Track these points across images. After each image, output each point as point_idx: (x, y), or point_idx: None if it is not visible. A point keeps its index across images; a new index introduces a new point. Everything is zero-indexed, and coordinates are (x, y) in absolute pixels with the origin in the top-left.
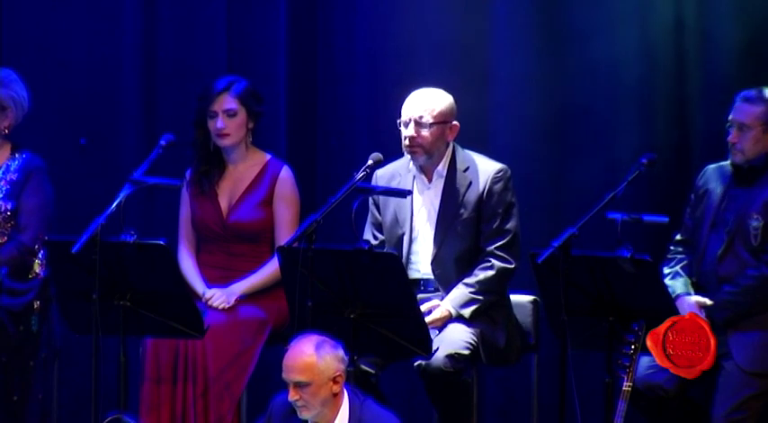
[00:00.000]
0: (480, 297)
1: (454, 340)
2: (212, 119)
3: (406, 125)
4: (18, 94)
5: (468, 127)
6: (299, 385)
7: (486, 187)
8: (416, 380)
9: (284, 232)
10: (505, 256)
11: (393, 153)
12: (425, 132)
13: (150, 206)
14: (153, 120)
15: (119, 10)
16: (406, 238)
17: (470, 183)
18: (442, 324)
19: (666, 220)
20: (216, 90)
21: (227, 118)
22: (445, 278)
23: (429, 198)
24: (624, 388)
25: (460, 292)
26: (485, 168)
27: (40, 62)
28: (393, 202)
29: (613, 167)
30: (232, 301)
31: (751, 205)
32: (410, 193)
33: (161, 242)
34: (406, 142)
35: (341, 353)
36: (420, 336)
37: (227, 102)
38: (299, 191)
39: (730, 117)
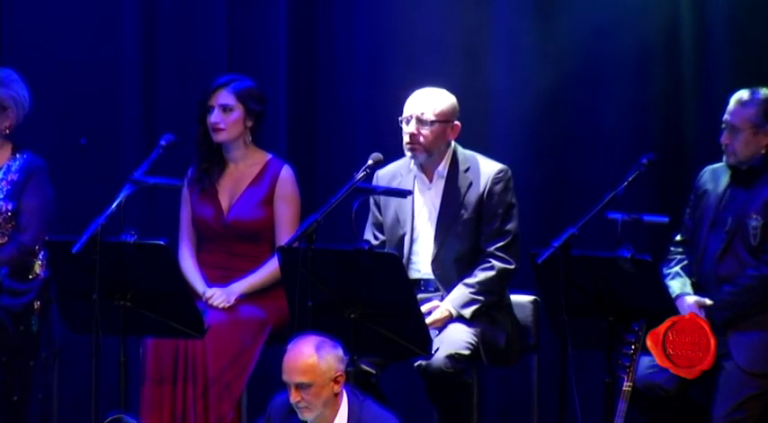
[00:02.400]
0: (481, 297)
1: (454, 340)
2: (209, 113)
3: (408, 122)
4: (18, 94)
5: (468, 127)
6: (300, 387)
7: (487, 188)
8: (416, 380)
9: (284, 232)
10: (505, 256)
11: (393, 153)
12: (426, 130)
13: (150, 206)
14: (153, 120)
15: (119, 10)
16: (407, 239)
17: (471, 183)
18: (443, 324)
19: (666, 220)
20: (215, 85)
21: (223, 113)
22: (445, 278)
23: (430, 198)
24: (624, 388)
25: (461, 292)
26: (485, 169)
27: (40, 62)
28: (394, 202)
29: (613, 167)
30: (232, 300)
31: (750, 205)
32: (410, 193)
33: (161, 242)
34: (407, 139)
35: (341, 352)
36: (420, 336)
37: (224, 97)
38: (300, 191)
39: (724, 118)
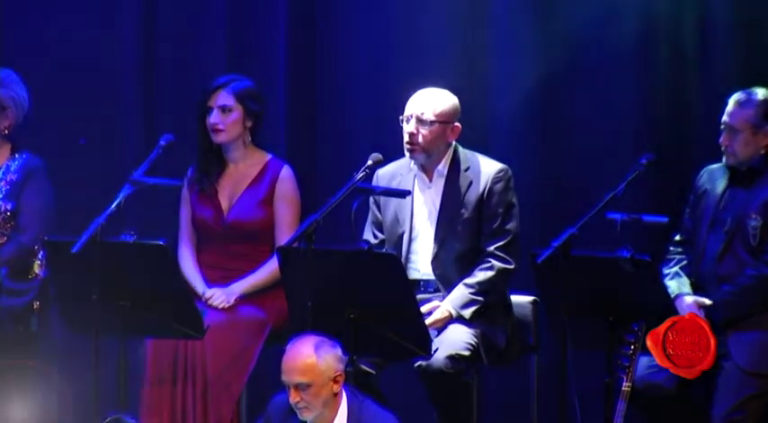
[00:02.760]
0: (480, 298)
1: (454, 341)
2: (209, 114)
3: (408, 121)
4: (18, 94)
5: (468, 127)
6: (300, 387)
7: (487, 187)
8: (416, 380)
9: (284, 232)
10: (505, 256)
11: (393, 153)
12: (425, 130)
13: (150, 206)
14: (153, 120)
15: (119, 10)
16: (405, 238)
17: (471, 182)
18: (443, 325)
19: (666, 220)
20: (214, 85)
21: (222, 114)
22: (446, 278)
23: (430, 197)
24: (624, 388)
25: (461, 292)
26: (486, 168)
27: (40, 62)
28: (394, 201)
29: (613, 167)
30: (232, 300)
31: (750, 205)
32: (410, 193)
33: (161, 242)
34: (406, 138)
35: (340, 352)
36: (420, 336)
37: (223, 97)
38: (300, 191)
39: (722, 119)
